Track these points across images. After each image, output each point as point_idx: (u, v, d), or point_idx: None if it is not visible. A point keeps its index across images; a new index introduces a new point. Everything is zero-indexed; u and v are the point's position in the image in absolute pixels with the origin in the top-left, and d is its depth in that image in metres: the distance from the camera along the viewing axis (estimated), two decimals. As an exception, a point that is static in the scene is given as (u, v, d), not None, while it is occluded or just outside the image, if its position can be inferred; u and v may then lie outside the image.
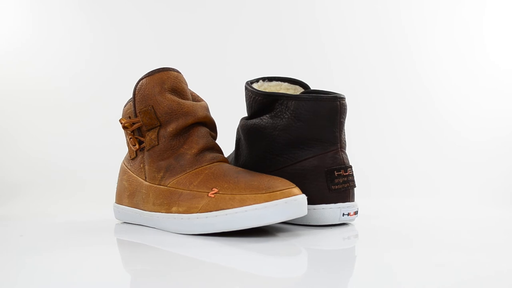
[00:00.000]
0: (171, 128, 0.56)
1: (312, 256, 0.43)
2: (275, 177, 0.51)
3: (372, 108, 1.14)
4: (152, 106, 0.56)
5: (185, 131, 0.56)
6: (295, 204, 0.48)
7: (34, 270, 0.39)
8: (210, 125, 0.60)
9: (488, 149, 1.07)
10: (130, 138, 0.58)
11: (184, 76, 0.59)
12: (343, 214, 0.56)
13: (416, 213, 0.73)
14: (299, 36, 1.19)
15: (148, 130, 0.57)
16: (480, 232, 0.57)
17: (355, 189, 0.58)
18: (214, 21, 1.19)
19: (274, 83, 0.63)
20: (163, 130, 0.56)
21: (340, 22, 1.20)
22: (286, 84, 0.63)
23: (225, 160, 0.57)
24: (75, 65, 1.14)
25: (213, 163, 0.55)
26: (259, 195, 0.48)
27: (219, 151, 0.58)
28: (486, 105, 1.13)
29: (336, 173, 0.56)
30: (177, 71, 0.58)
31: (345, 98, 0.57)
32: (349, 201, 0.56)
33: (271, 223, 0.48)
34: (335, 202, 0.56)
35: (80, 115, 1.11)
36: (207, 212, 0.50)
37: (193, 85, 0.71)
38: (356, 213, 0.57)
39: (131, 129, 0.58)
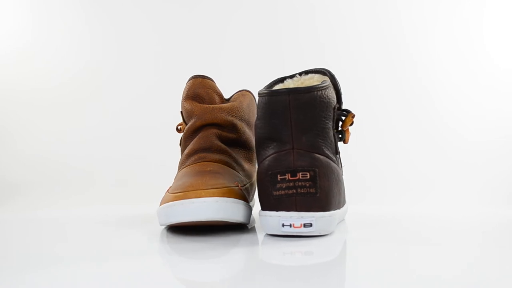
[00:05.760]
0: (185, 130, 0.62)
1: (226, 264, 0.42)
2: (221, 179, 0.51)
3: (372, 108, 1.13)
4: (181, 112, 0.63)
5: (195, 132, 0.60)
6: (192, 207, 0.48)
7: (34, 270, 0.39)
8: (227, 127, 0.61)
9: (489, 149, 1.07)
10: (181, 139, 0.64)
11: (211, 82, 0.63)
12: (283, 225, 0.48)
13: (415, 214, 0.73)
14: (298, 35, 1.19)
15: None
16: (480, 233, 0.57)
17: (317, 196, 0.48)
18: (213, 19, 1.19)
19: (309, 76, 0.58)
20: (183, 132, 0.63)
21: (339, 22, 1.20)
22: (317, 76, 0.57)
23: (216, 160, 0.58)
24: (75, 65, 1.14)
25: (196, 163, 0.57)
26: (171, 195, 0.50)
27: (220, 151, 0.59)
28: (487, 105, 1.13)
29: (279, 177, 0.48)
30: (204, 77, 0.63)
31: (302, 91, 0.49)
32: (295, 210, 0.48)
33: (178, 222, 0.49)
34: (276, 210, 0.48)
35: (80, 115, 1.11)
36: (159, 207, 0.54)
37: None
38: (305, 225, 0.48)
39: (180, 132, 0.64)
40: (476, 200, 0.88)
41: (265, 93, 0.50)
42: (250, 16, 1.19)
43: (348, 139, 0.56)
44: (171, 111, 1.06)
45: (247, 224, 0.54)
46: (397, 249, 0.46)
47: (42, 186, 0.96)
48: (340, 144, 0.60)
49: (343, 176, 0.59)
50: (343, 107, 0.59)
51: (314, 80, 0.57)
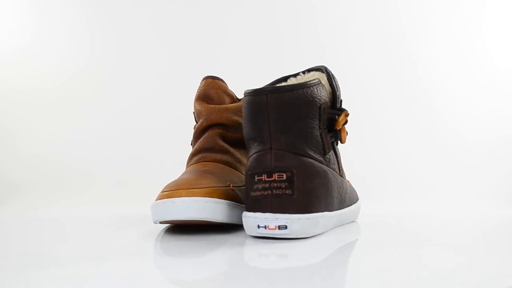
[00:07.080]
0: (194, 130, 0.62)
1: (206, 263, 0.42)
2: (209, 179, 0.51)
3: (371, 107, 1.14)
4: (193, 112, 0.64)
5: (202, 132, 0.61)
6: (172, 206, 0.49)
7: (34, 270, 0.39)
8: (233, 126, 0.61)
9: (489, 149, 1.07)
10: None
11: (221, 82, 0.64)
12: (259, 226, 0.47)
13: (415, 214, 0.73)
14: (298, 35, 1.19)
15: None
16: (480, 233, 0.57)
17: (293, 198, 0.46)
18: (214, 19, 1.19)
19: (310, 74, 0.56)
20: None
21: (339, 22, 1.20)
22: (318, 73, 0.55)
23: (217, 160, 0.58)
24: (75, 65, 1.14)
25: (197, 163, 0.58)
26: (160, 193, 0.51)
27: (222, 151, 0.59)
28: (487, 105, 1.13)
29: (256, 178, 0.48)
30: (213, 78, 0.64)
31: (282, 90, 0.48)
32: (270, 212, 0.47)
33: (163, 220, 0.50)
34: (254, 211, 0.48)
35: (80, 115, 1.11)
36: None
37: (192, 84, 0.71)
38: (280, 227, 0.46)
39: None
40: (476, 200, 0.88)
41: (247, 93, 0.50)
42: (250, 16, 1.19)
43: (344, 139, 0.54)
44: (171, 111, 1.06)
45: (241, 224, 0.54)
46: (397, 249, 0.46)
47: (42, 186, 0.96)
48: (339, 143, 0.60)
49: (343, 177, 0.59)
50: (344, 106, 0.58)
51: (314, 78, 0.55)
